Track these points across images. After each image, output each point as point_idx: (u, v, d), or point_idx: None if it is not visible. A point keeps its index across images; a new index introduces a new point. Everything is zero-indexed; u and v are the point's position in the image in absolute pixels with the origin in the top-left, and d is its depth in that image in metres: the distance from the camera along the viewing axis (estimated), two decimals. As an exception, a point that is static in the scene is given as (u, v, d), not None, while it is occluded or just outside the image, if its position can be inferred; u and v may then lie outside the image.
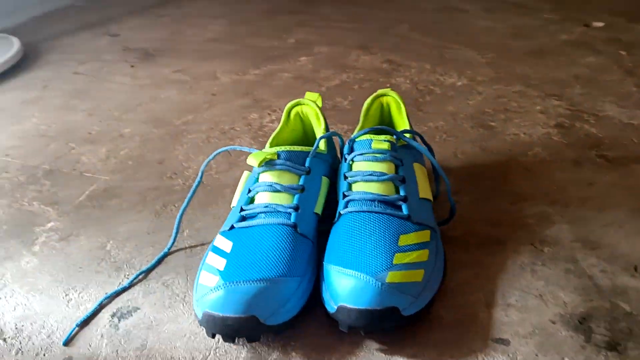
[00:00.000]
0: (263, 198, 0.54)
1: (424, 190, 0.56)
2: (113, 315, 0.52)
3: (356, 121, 0.65)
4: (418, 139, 0.62)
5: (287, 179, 0.54)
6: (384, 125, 0.66)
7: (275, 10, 1.40)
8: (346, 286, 0.46)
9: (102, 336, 0.50)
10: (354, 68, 1.05)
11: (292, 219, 0.52)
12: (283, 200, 0.53)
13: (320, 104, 0.63)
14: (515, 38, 1.14)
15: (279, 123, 0.66)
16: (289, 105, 0.63)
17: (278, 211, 0.52)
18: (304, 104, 0.63)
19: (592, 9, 1.29)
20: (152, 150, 0.81)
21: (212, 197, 0.69)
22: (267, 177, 0.54)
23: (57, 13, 1.52)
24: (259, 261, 0.48)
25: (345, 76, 1.02)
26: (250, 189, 0.55)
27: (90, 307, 0.53)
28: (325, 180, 0.57)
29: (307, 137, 0.66)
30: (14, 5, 1.49)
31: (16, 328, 0.52)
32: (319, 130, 0.62)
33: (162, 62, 1.13)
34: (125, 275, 0.57)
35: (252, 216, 0.53)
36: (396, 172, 0.55)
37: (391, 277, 0.46)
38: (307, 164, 0.56)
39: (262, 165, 0.55)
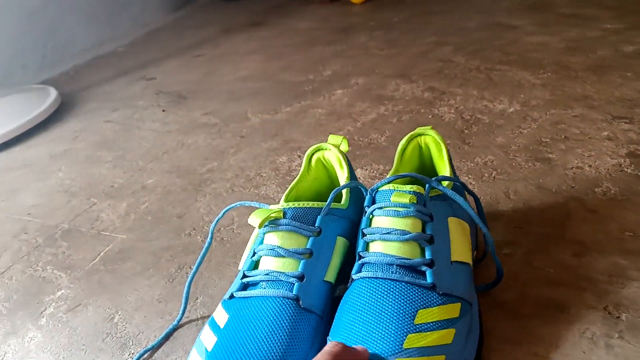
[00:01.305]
0: (266, 263, 0.46)
1: (460, 252, 0.46)
2: (108, 407, 0.46)
3: (393, 160, 0.57)
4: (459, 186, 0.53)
5: (293, 242, 0.47)
6: (423, 170, 0.58)
7: (311, 42, 1.35)
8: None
9: None
10: (392, 99, 0.97)
11: (295, 291, 0.44)
12: (287, 266, 0.45)
13: (345, 149, 0.55)
14: (572, 53, 1.03)
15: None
16: (309, 150, 0.56)
17: (280, 280, 0.45)
18: (325, 149, 0.56)
19: (661, 15, 1.15)
20: (173, 203, 0.75)
21: (231, 257, 0.62)
22: (272, 238, 0.47)
23: (99, 60, 1.53)
24: (250, 343, 0.41)
25: (383, 109, 0.94)
26: (255, 251, 0.48)
27: (86, 395, 0.47)
28: (341, 242, 0.49)
29: (334, 187, 0.58)
30: (58, 57, 1.52)
31: None
32: (342, 179, 0.55)
33: (193, 104, 1.09)
34: (129, 354, 0.51)
35: (255, 283, 0.46)
36: (423, 229, 0.46)
37: (398, 366, 0.37)
38: (317, 224, 0.48)
39: (266, 225, 0.47)
